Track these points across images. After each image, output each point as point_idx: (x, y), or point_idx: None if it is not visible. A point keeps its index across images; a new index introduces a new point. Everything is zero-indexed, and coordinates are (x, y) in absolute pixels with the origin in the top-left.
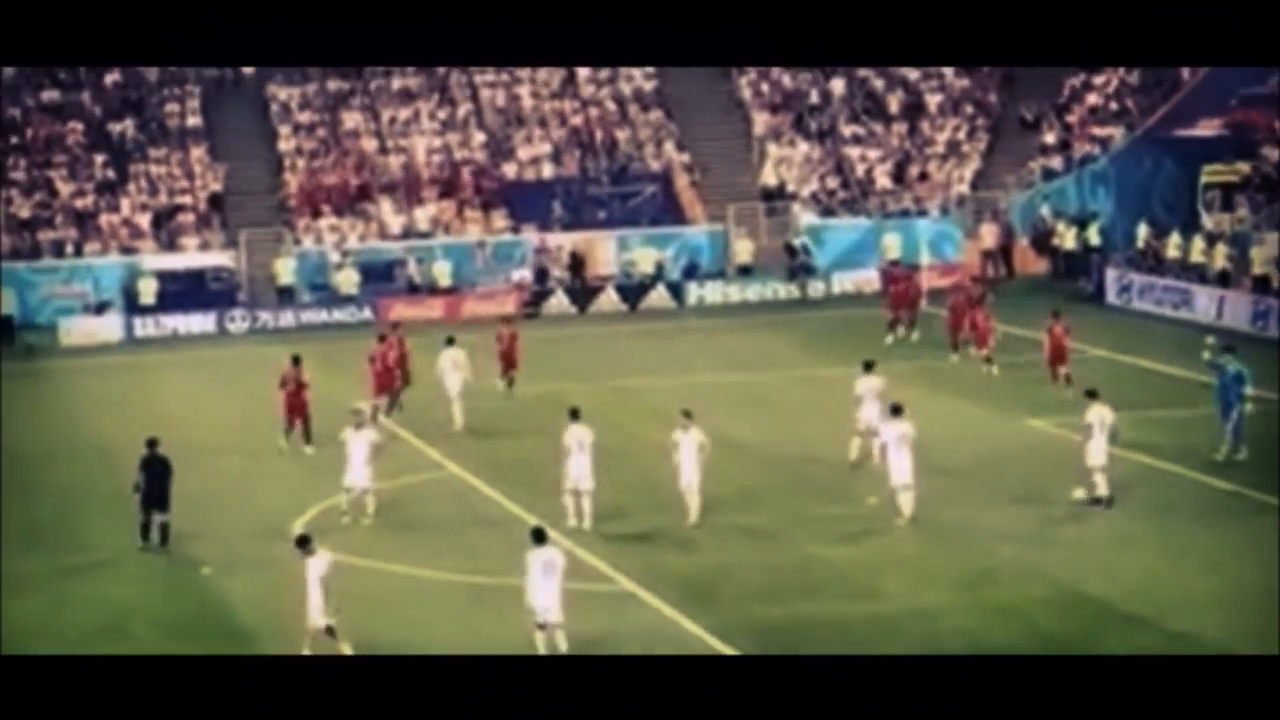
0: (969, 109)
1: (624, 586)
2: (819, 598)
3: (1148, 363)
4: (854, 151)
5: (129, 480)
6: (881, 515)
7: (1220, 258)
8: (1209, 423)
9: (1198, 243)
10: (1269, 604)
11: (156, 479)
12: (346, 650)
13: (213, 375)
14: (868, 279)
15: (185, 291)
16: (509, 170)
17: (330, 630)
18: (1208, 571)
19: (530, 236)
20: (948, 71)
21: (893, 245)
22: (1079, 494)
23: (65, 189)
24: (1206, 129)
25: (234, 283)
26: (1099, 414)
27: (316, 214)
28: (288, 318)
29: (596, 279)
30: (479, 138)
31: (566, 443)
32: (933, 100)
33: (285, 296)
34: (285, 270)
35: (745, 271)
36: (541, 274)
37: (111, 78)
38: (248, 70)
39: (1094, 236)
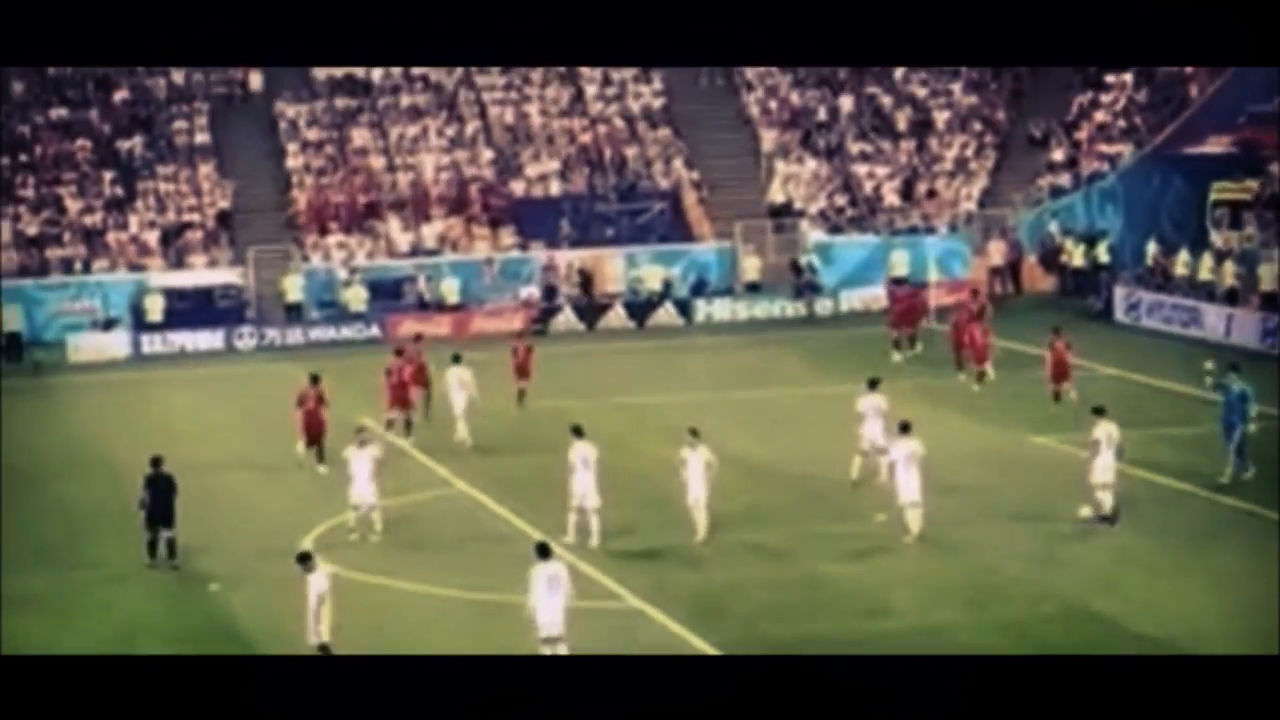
0: (977, 126)
1: (632, 604)
2: (827, 615)
3: (1156, 380)
4: (862, 169)
5: (136, 497)
6: (889, 533)
7: (1229, 275)
8: (1217, 441)
9: (1206, 260)
10: (1276, 621)
11: (161, 496)
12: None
13: (220, 392)
14: (875, 296)
15: (193, 308)
16: (517, 187)
17: (324, 650)
18: (1216, 590)
19: (538, 254)
20: (956, 88)
21: (901, 262)
22: (1086, 512)
23: (74, 206)
24: (1215, 146)
25: (242, 300)
26: (1105, 430)
27: (324, 231)
28: (296, 335)
29: (604, 296)
30: (487, 155)
31: (571, 460)
32: (941, 117)
33: (293, 314)
34: (293, 287)
35: (753, 289)
36: (549, 291)
37: (120, 95)
38: (256, 87)
39: (1102, 254)
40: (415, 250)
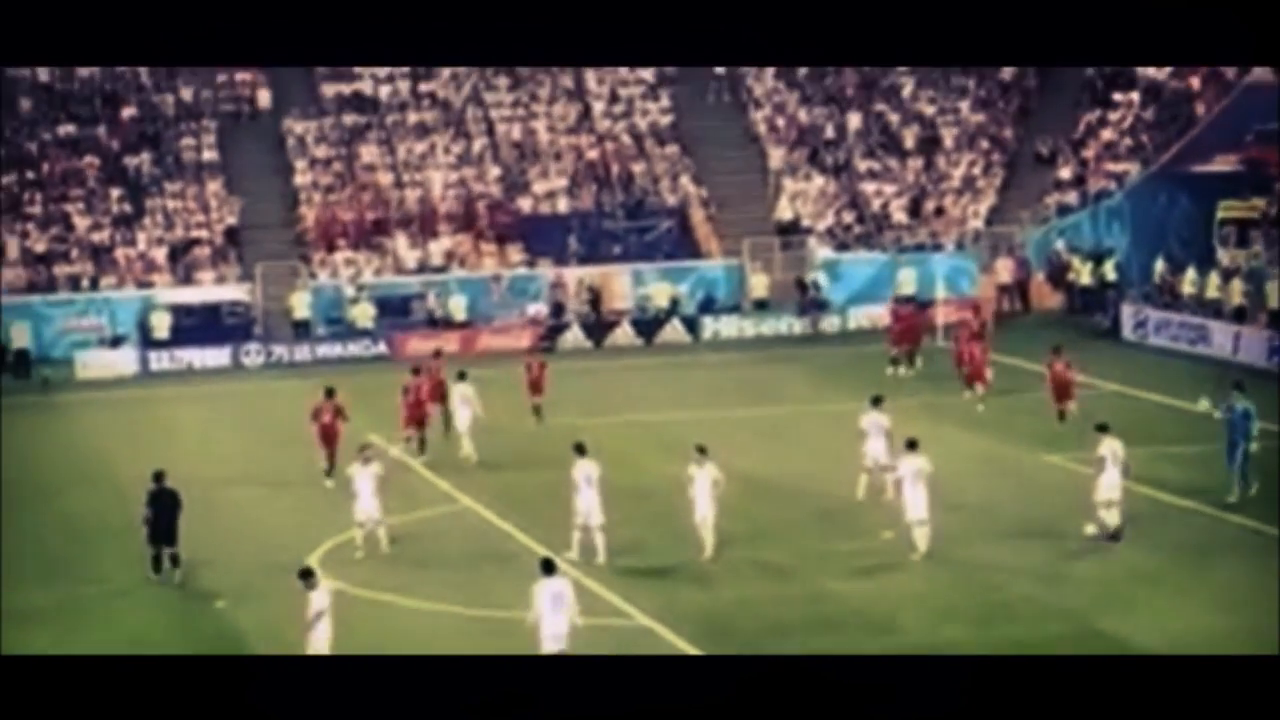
0: (985, 144)
1: (639, 621)
2: (834, 633)
3: (1164, 398)
4: (870, 186)
5: (140, 512)
6: (897, 550)
7: (1236, 293)
8: (1222, 459)
9: (1213, 278)
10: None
11: (164, 511)
12: None
13: (227, 409)
14: (883, 314)
15: (201, 325)
16: (524, 204)
17: None
18: (1222, 608)
19: (546, 271)
20: (963, 106)
21: (908, 280)
22: (1091, 529)
23: (81, 223)
24: (1222, 165)
25: (249, 316)
26: (1110, 447)
27: (332, 248)
28: (303, 352)
29: (612, 313)
30: (494, 172)
31: (574, 478)
32: (949, 135)
33: (301, 330)
34: (301, 304)
35: (761, 306)
36: (557, 308)
37: (128, 112)
38: (264, 104)
39: (1109, 272)
40: (423, 267)
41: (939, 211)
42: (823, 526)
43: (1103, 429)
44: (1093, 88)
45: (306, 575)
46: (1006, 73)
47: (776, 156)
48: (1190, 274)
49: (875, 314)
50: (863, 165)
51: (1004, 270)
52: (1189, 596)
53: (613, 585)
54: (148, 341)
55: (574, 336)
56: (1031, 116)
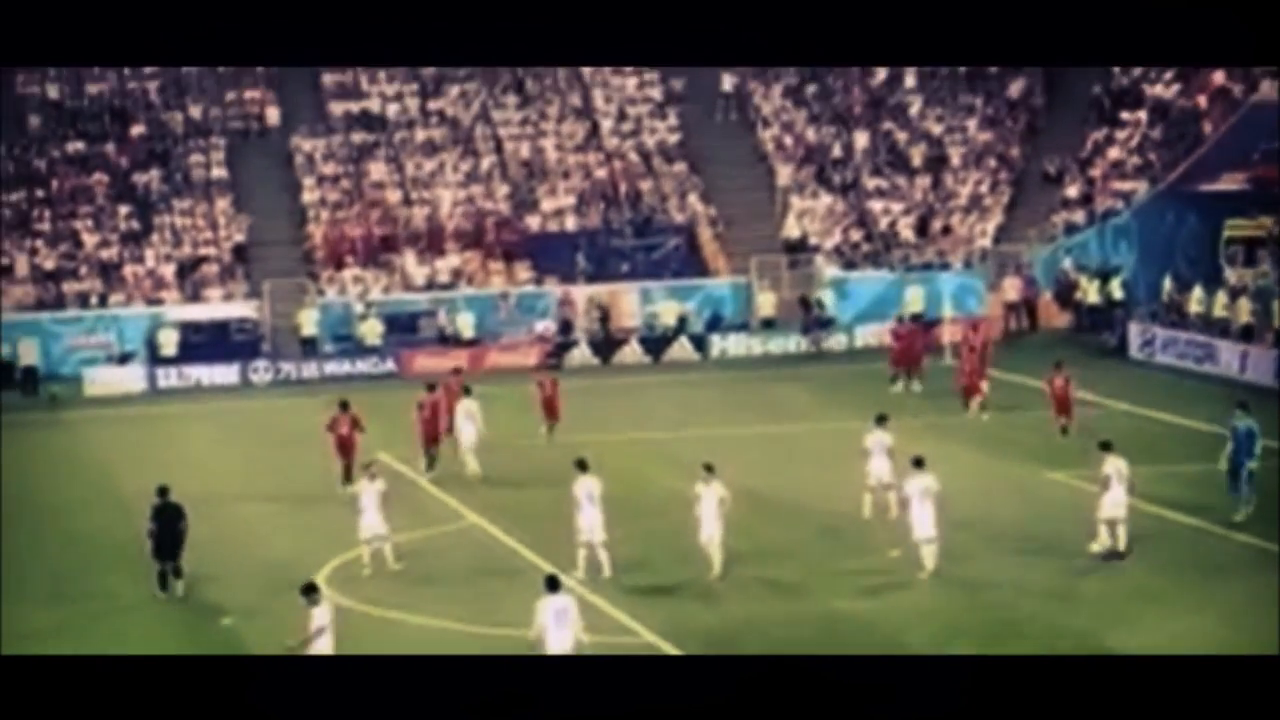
0: (992, 162)
1: (646, 639)
2: (842, 651)
3: (1171, 417)
4: (877, 204)
5: (145, 528)
6: (904, 568)
7: (1243, 312)
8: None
9: (1220, 297)
10: None
11: (169, 526)
12: None
13: (236, 426)
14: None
15: (209, 342)
16: (532, 222)
17: None
18: (1230, 626)
19: (554, 289)
20: (971, 125)
21: (916, 298)
22: (1097, 547)
23: (90, 240)
24: (1229, 184)
25: (257, 334)
26: (1115, 465)
27: (340, 265)
28: (311, 369)
29: (620, 331)
30: (503, 189)
31: (575, 495)
32: (956, 153)
33: (309, 348)
34: (309, 321)
35: (768, 324)
36: (565, 326)
37: (137, 129)
38: (272, 121)
39: (1117, 290)
40: (431, 284)
41: (946, 230)
42: (830, 545)
43: (1106, 447)
44: (1100, 106)
45: (309, 591)
46: (1014, 90)
47: (784, 175)
48: (1197, 292)
49: (882, 332)
50: (870, 183)
51: (1011, 289)
52: (1196, 614)
53: (619, 602)
54: (156, 359)
55: (581, 354)
56: (1039, 135)
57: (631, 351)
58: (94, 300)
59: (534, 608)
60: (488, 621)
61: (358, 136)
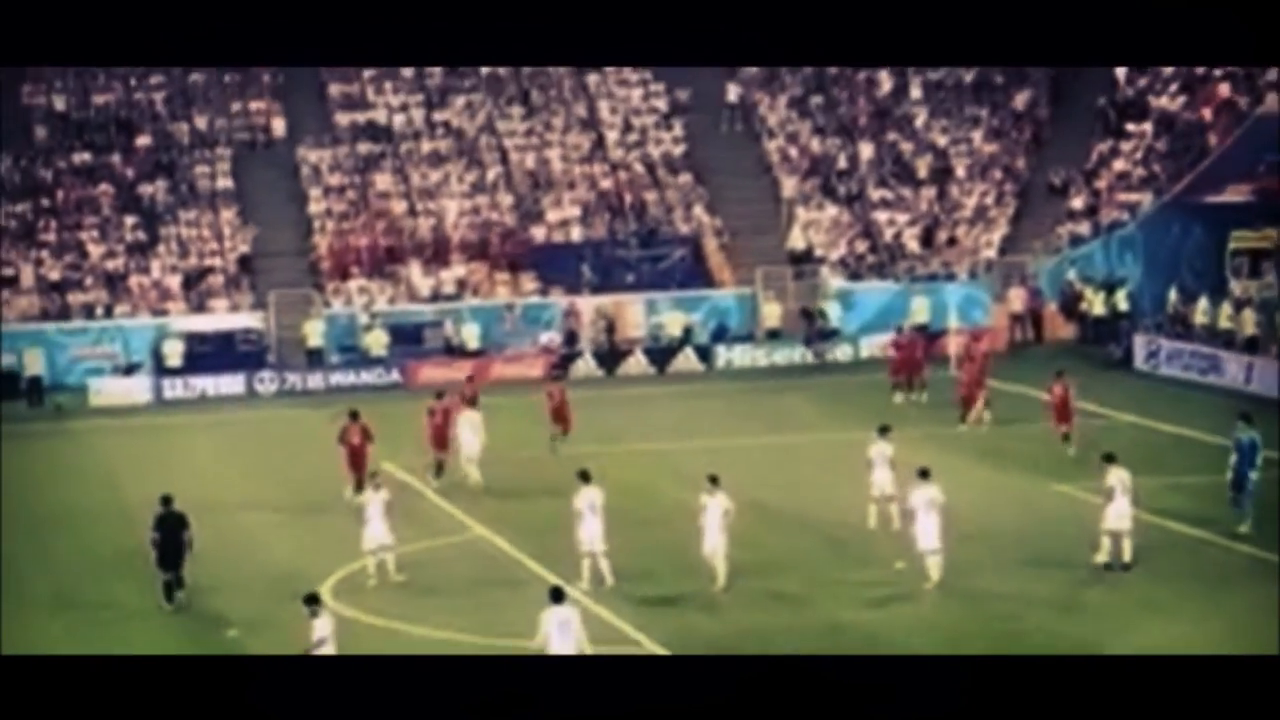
0: (997, 174)
1: (650, 649)
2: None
3: (1176, 429)
4: (882, 216)
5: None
6: (909, 580)
7: (1249, 324)
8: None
9: (1225, 308)
10: None
11: (172, 535)
12: None
13: (241, 437)
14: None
15: (214, 353)
16: (538, 233)
17: None
18: (1234, 637)
19: (559, 299)
20: (976, 136)
21: (921, 309)
22: (1101, 558)
23: (96, 251)
24: (1234, 195)
25: (263, 344)
26: (1119, 477)
27: (346, 276)
28: (316, 380)
29: (625, 342)
30: (508, 200)
31: (577, 506)
32: (961, 165)
33: (314, 358)
34: (314, 332)
35: (774, 335)
36: (570, 337)
37: (142, 140)
38: (278, 132)
39: (1122, 302)
40: (436, 295)
41: (952, 241)
42: (835, 556)
43: (1110, 459)
44: (1105, 118)
45: (311, 601)
46: (1019, 102)
47: (789, 186)
48: (1203, 304)
49: (887, 343)
50: (875, 195)
51: (1016, 300)
52: (1200, 625)
53: (623, 613)
54: (161, 369)
55: (586, 365)
56: (1044, 146)
57: (636, 362)
58: (99, 311)
59: (538, 618)
60: (492, 632)
61: (363, 147)
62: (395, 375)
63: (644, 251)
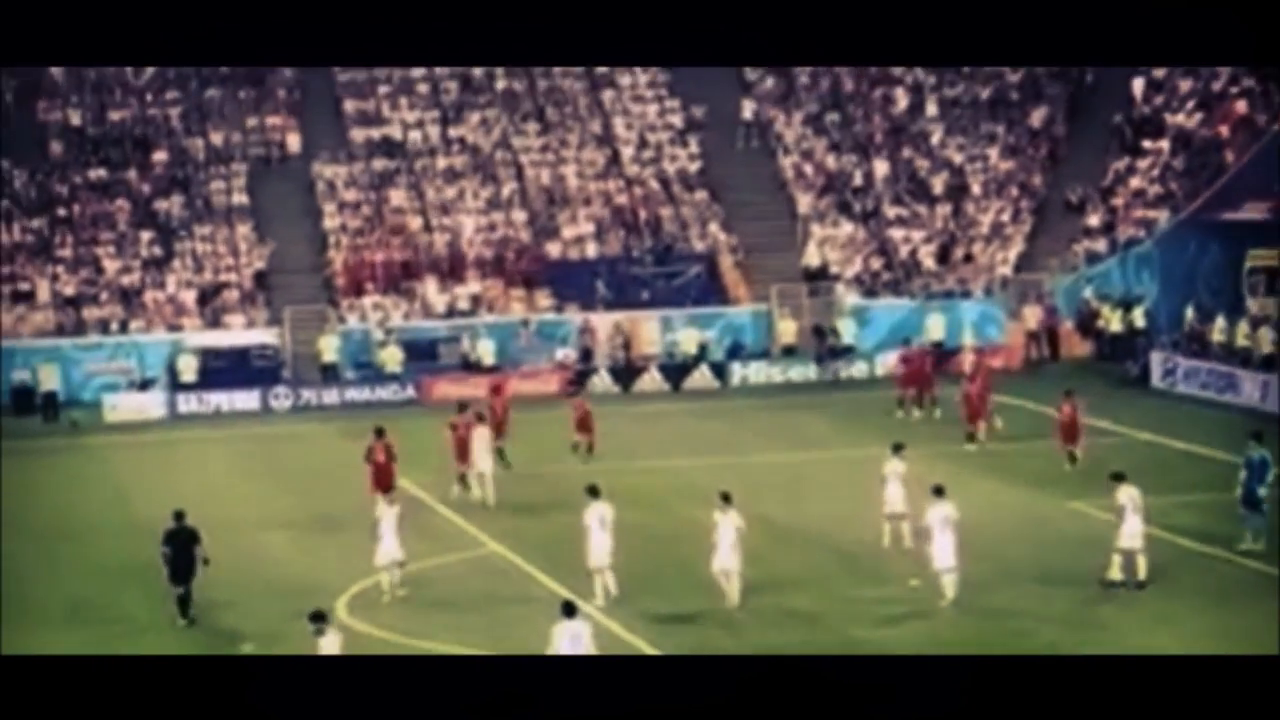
0: (1014, 191)
1: None
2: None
3: (1193, 447)
4: (898, 233)
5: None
6: (924, 597)
7: (1265, 342)
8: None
9: (1242, 326)
10: None
11: (183, 549)
12: None
13: (255, 452)
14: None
15: (229, 368)
16: (553, 249)
17: None
18: (1246, 652)
19: (575, 316)
20: (992, 153)
21: (936, 326)
22: (1116, 575)
23: (111, 266)
24: (1251, 213)
25: (278, 360)
26: (1129, 494)
27: (361, 292)
28: (331, 395)
29: (640, 359)
30: (523, 216)
31: (586, 522)
32: (977, 182)
33: (329, 374)
34: (329, 348)
35: (789, 352)
36: (586, 353)
37: (158, 156)
38: (294, 148)
39: (1139, 319)
40: (451, 311)
41: (967, 258)
42: (849, 573)
43: (1119, 477)
44: (1122, 135)
45: (318, 619)
46: (1035, 119)
47: (805, 203)
48: (1219, 322)
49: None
50: (891, 212)
51: (1032, 317)
52: (1212, 641)
53: (635, 629)
54: (176, 384)
55: (602, 381)
56: (1061, 164)
57: (651, 379)
58: (115, 326)
59: (550, 633)
60: (504, 647)
61: (379, 163)
62: (410, 391)
63: (659, 268)
